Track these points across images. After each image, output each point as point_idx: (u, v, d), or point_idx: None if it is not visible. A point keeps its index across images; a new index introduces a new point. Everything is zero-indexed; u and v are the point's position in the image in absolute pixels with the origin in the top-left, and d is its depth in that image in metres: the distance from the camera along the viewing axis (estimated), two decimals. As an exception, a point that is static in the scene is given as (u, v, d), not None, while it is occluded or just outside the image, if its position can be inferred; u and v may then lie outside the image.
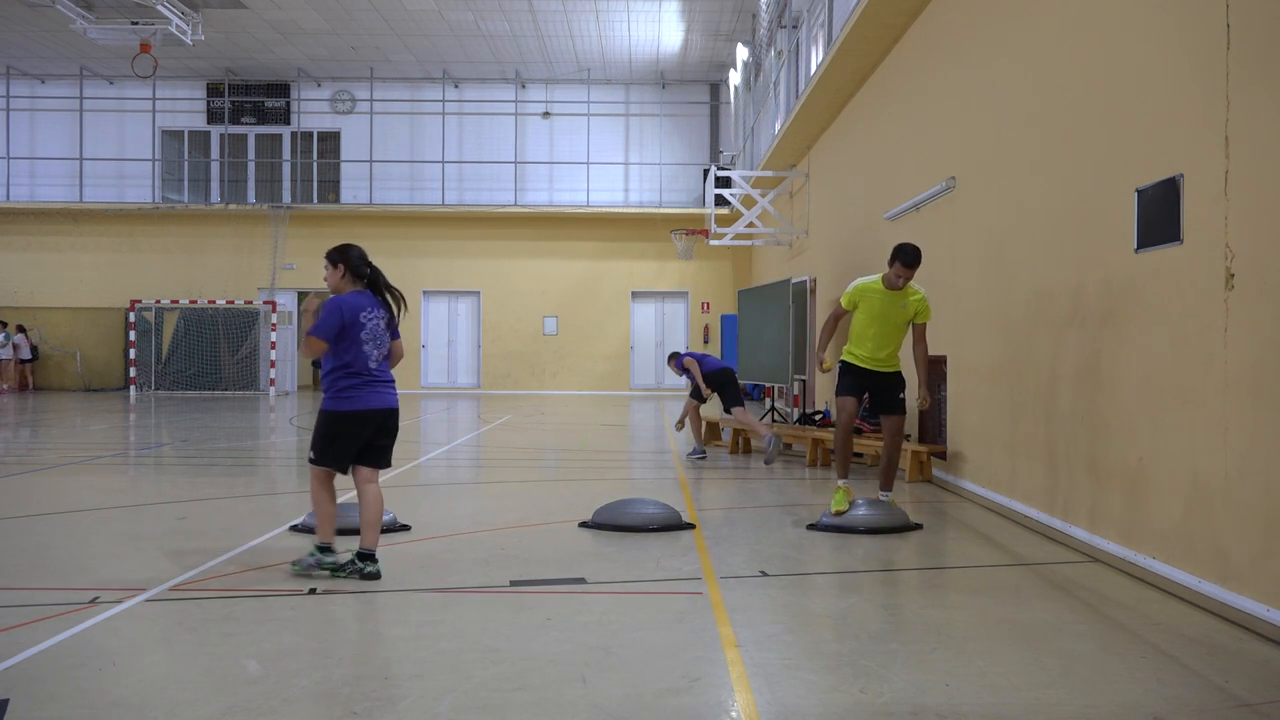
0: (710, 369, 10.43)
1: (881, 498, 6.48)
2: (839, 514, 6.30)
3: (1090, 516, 5.58)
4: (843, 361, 6.59)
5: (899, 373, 6.55)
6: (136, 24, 18.23)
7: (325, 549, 4.98)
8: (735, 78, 20.68)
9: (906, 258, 6.28)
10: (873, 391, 6.55)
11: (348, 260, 5.04)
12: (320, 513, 5.02)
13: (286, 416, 16.65)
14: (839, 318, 6.65)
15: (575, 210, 23.66)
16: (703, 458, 10.26)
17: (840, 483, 6.43)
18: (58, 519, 6.60)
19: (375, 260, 5.25)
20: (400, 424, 5.15)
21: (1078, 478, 5.75)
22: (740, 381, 10.95)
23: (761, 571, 5.16)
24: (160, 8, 17.79)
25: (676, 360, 10.59)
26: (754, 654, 3.75)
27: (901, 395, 6.54)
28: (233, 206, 23.70)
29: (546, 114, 24.65)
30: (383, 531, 5.58)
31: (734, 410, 10.21)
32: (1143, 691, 3.39)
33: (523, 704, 3.24)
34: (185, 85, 24.55)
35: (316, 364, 5.58)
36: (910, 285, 6.42)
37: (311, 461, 4.99)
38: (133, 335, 22.37)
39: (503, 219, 23.90)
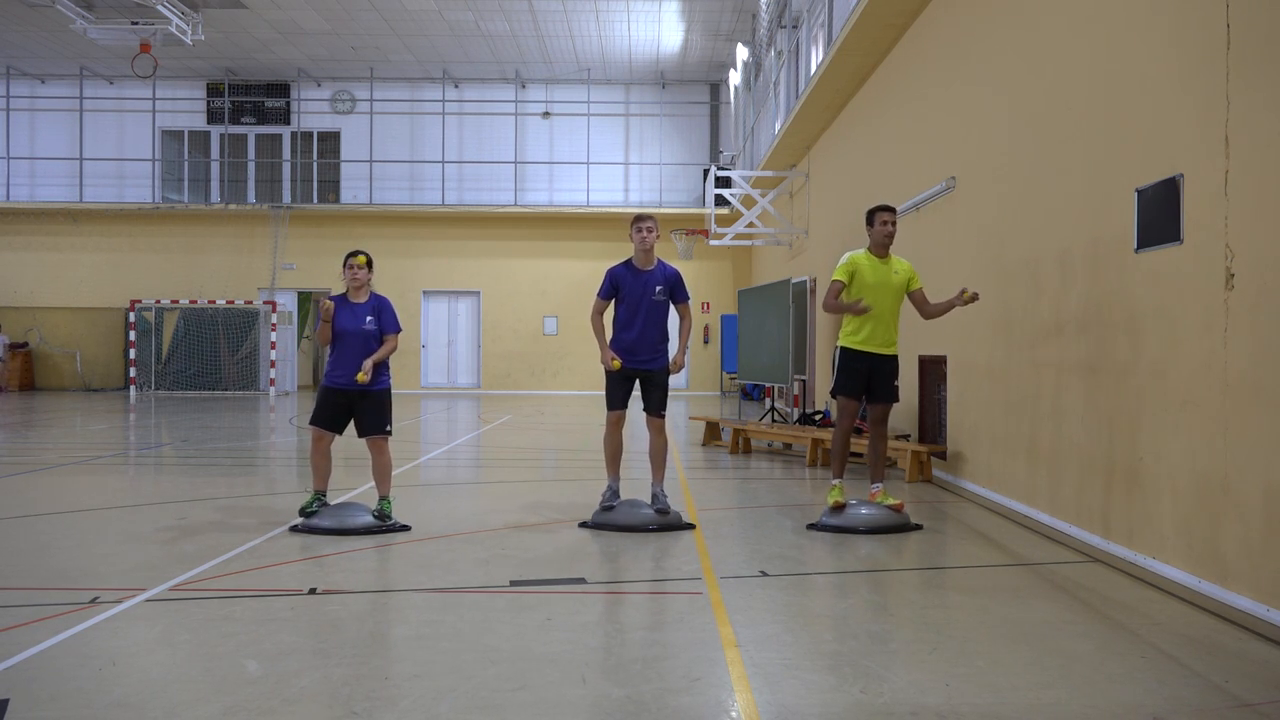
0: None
1: (874, 489, 6.49)
2: (836, 506, 6.32)
3: (1090, 516, 5.58)
4: (842, 348, 6.56)
5: (896, 357, 6.57)
6: (136, 24, 18.25)
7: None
8: (735, 78, 20.67)
9: (883, 207, 6.63)
10: (870, 379, 6.53)
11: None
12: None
13: (286, 416, 16.64)
14: (839, 291, 6.59)
15: (575, 210, 23.66)
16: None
17: (835, 481, 6.45)
18: (58, 519, 6.60)
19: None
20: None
21: (1078, 477, 5.75)
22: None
23: (761, 571, 5.16)
24: (160, 8, 17.79)
25: None
26: (754, 654, 3.75)
27: (896, 383, 6.57)
28: (232, 206, 23.70)
29: (546, 114, 24.65)
30: (383, 532, 6.18)
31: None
32: (1143, 691, 3.39)
33: (523, 704, 3.24)
34: (185, 85, 24.56)
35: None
36: (894, 256, 6.62)
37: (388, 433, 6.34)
38: (133, 335, 22.36)
39: (503, 219, 23.90)
